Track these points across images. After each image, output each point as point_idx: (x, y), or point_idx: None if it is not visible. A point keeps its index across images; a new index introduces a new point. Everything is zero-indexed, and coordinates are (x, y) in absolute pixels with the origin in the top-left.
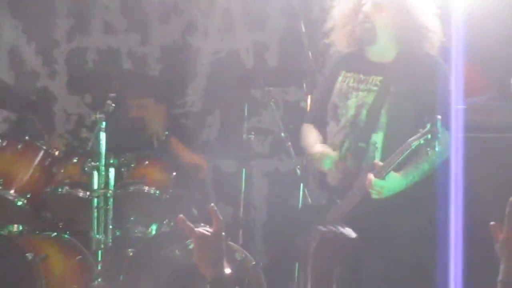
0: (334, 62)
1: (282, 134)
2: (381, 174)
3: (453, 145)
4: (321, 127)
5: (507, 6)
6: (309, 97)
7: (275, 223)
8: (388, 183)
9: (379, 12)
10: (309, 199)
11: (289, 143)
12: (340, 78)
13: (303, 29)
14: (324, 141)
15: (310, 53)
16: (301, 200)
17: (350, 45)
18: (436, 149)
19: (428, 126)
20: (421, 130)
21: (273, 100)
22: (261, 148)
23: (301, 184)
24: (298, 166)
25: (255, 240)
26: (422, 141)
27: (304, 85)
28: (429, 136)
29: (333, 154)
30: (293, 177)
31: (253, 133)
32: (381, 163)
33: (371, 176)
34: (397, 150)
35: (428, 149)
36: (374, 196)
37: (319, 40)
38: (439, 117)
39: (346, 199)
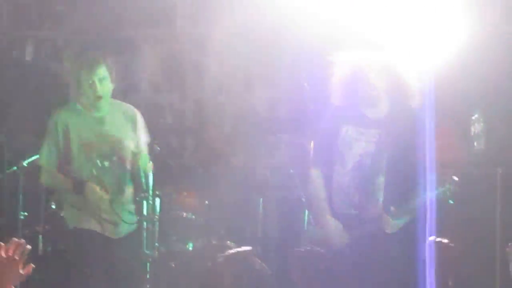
0: (333, 115)
1: (291, 171)
2: (396, 216)
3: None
4: (327, 169)
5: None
6: (311, 142)
7: (286, 242)
8: (399, 222)
9: (381, 80)
10: (312, 222)
11: (296, 178)
12: (342, 130)
13: (307, 86)
14: (330, 180)
15: (312, 106)
16: (306, 222)
17: (348, 101)
18: (450, 202)
19: (448, 185)
20: (440, 187)
21: (283, 144)
22: (274, 181)
23: (305, 210)
24: (303, 196)
25: (270, 254)
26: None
27: (307, 132)
28: (448, 193)
29: (343, 233)
30: (299, 204)
31: (267, 169)
32: (395, 208)
33: (387, 217)
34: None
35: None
36: (387, 231)
37: (320, 95)
38: (456, 178)
39: (358, 227)
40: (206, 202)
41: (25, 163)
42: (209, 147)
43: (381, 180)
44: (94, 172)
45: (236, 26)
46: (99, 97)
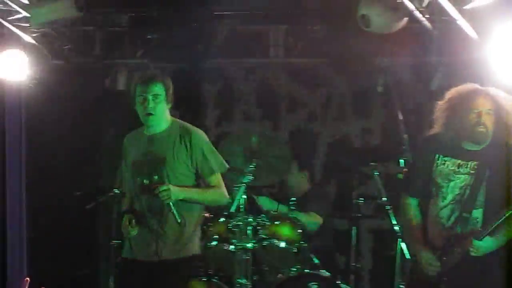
0: (429, 145)
1: (384, 199)
2: (479, 236)
3: None
4: (423, 199)
5: None
6: (403, 171)
7: (379, 270)
8: (484, 244)
9: (490, 119)
10: (406, 252)
11: (389, 206)
12: (438, 162)
13: (400, 117)
14: (426, 211)
15: (405, 136)
16: (399, 252)
17: (449, 133)
18: None
19: None
20: None
21: (376, 172)
22: (367, 210)
23: (399, 240)
24: (396, 225)
25: (363, 283)
26: None
27: (401, 161)
28: None
29: (435, 263)
30: (392, 233)
31: (361, 198)
32: (480, 229)
33: (472, 238)
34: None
35: None
36: (473, 254)
37: (413, 125)
38: None
39: (450, 256)
40: (299, 230)
41: (117, 191)
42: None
43: (479, 212)
44: (135, 190)
45: (329, 55)
46: (150, 114)
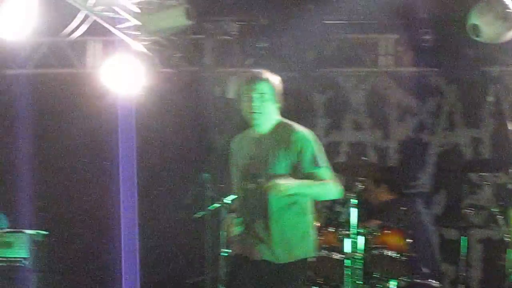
0: None
1: (494, 210)
2: None
3: None
4: None
5: None
6: None
7: (488, 280)
8: None
9: None
10: None
11: (500, 217)
12: None
13: (510, 127)
14: None
15: None
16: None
17: None
18: None
19: None
20: None
21: (486, 183)
22: (477, 220)
23: (509, 250)
24: (507, 235)
25: None
26: None
27: (510, 171)
28: None
29: None
30: (502, 243)
31: (471, 208)
32: None
33: None
34: None
35: None
36: None
37: None
38: None
39: None
40: (409, 240)
41: (227, 200)
42: (411, 184)
43: None
44: (242, 194)
45: (439, 65)
46: (255, 113)
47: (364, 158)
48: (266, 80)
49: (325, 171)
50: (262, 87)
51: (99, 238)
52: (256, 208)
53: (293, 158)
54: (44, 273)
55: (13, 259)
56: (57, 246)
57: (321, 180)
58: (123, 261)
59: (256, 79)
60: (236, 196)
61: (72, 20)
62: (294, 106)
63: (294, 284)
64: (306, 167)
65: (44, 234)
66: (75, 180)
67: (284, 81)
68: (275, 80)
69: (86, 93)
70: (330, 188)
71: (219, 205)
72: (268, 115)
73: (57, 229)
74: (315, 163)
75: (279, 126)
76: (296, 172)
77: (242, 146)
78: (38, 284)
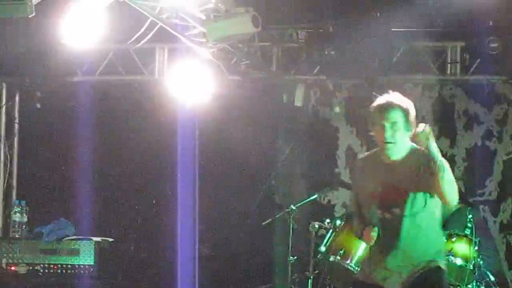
0: None
1: None
2: None
3: None
4: None
5: None
6: None
7: None
8: None
9: None
10: None
11: None
12: None
13: None
14: None
15: None
16: None
17: None
18: None
19: None
20: None
21: None
22: None
23: None
24: None
25: None
26: None
27: None
28: None
29: None
30: None
31: None
32: None
33: None
34: None
35: None
36: None
37: None
38: None
39: None
40: (475, 248)
41: (294, 207)
42: (478, 192)
43: None
44: (376, 222)
45: (506, 72)
46: (388, 143)
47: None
48: (398, 107)
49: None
50: (394, 115)
51: (160, 245)
52: (388, 238)
53: (430, 187)
54: (109, 279)
55: (80, 266)
56: (122, 253)
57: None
58: (179, 268)
59: (388, 107)
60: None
61: (139, 28)
62: (361, 114)
63: None
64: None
65: (110, 241)
66: (139, 186)
67: (350, 88)
68: (408, 106)
69: (153, 100)
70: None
71: (286, 212)
72: (401, 144)
73: (120, 236)
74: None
75: (413, 153)
76: (432, 202)
77: (370, 169)
78: None
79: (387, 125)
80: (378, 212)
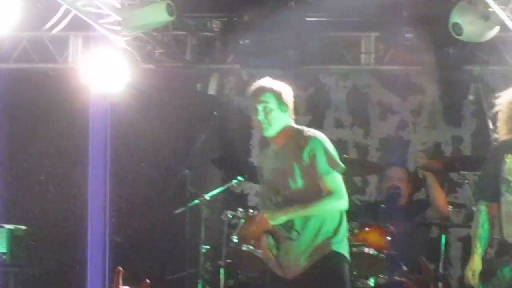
0: (500, 150)
1: (473, 208)
2: None
3: None
4: (493, 200)
5: None
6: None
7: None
8: None
9: None
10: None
11: None
12: (508, 160)
13: (491, 126)
14: (498, 209)
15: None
16: None
17: (509, 133)
18: None
19: None
20: None
21: (466, 181)
22: (457, 218)
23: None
24: None
25: None
26: None
27: None
28: None
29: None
30: None
31: (450, 206)
32: None
33: None
34: None
35: None
36: None
37: None
38: None
39: None
40: (388, 238)
41: (207, 196)
42: (392, 183)
43: None
44: (272, 208)
45: (421, 63)
46: (263, 125)
47: (345, 156)
48: (270, 90)
49: (333, 179)
50: (265, 98)
51: (72, 233)
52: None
53: (306, 165)
54: (22, 267)
55: None
56: (35, 241)
57: (323, 197)
58: (89, 256)
59: (259, 91)
60: None
61: (53, 15)
62: None
63: None
64: (319, 173)
65: (23, 229)
66: (52, 175)
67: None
68: (280, 88)
69: (67, 89)
70: (330, 206)
71: (199, 201)
72: (277, 126)
73: (33, 225)
74: (324, 169)
75: (290, 134)
76: (313, 181)
77: (265, 159)
78: (16, 278)
79: (260, 107)
80: (271, 197)
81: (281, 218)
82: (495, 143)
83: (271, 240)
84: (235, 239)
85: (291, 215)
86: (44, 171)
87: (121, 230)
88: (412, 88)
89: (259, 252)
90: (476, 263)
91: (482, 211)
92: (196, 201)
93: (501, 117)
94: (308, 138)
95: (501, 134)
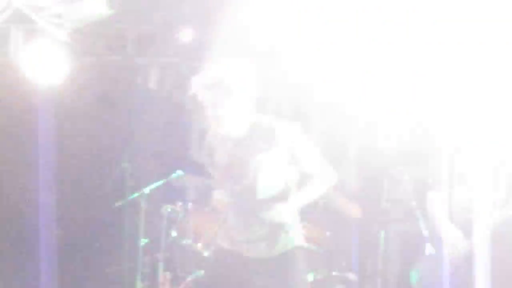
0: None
1: (413, 203)
2: None
3: None
4: (448, 191)
5: None
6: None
7: (406, 274)
8: None
9: None
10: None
11: (418, 211)
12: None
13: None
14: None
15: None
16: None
17: None
18: None
19: None
20: None
21: (405, 176)
22: (396, 214)
23: (428, 244)
24: (425, 229)
25: (390, 287)
26: None
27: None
28: None
29: (463, 242)
30: (421, 237)
31: (389, 201)
32: None
33: None
34: None
35: None
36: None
37: None
38: None
39: None
40: (327, 233)
41: (146, 190)
42: None
43: None
44: (228, 197)
45: None
46: (214, 116)
47: None
48: (221, 76)
49: (311, 162)
50: (216, 84)
51: (21, 225)
52: (243, 207)
53: (278, 156)
54: None
55: None
56: None
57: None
58: (40, 250)
59: (211, 81)
60: None
61: None
62: None
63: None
64: (302, 164)
65: None
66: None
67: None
68: (232, 77)
69: (7, 82)
70: (323, 187)
71: (138, 194)
72: (236, 116)
73: None
74: (307, 158)
75: (256, 124)
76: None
77: (217, 146)
78: None
79: (209, 96)
80: (229, 186)
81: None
82: None
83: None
84: (174, 232)
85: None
86: None
87: (62, 223)
88: None
89: (197, 246)
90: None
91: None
92: (135, 195)
93: None
94: (276, 130)
95: None
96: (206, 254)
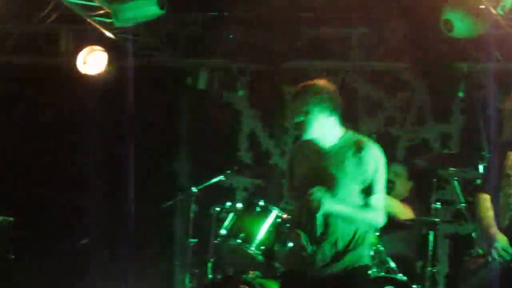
0: (505, 149)
1: (462, 205)
2: None
3: None
4: (495, 193)
5: None
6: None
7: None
8: None
9: None
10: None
11: (467, 212)
12: (510, 157)
13: (481, 124)
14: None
15: (486, 142)
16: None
17: None
18: None
19: None
20: None
21: (455, 178)
22: (444, 215)
23: (476, 246)
24: (474, 231)
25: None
26: None
27: (480, 167)
28: None
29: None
30: (469, 239)
31: (439, 203)
32: None
33: None
34: None
35: None
36: None
37: (493, 131)
38: None
39: None
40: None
41: (195, 189)
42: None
43: None
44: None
45: (410, 60)
46: (304, 130)
47: None
48: (312, 93)
49: (378, 198)
50: (309, 101)
51: (66, 226)
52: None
53: (360, 176)
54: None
55: None
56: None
57: (369, 208)
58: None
59: (299, 93)
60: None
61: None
62: (265, 98)
63: None
64: (368, 187)
65: (9, 221)
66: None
67: (254, 73)
68: (325, 90)
69: (59, 82)
70: (368, 220)
71: (186, 194)
72: (322, 130)
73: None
74: (377, 187)
75: (345, 139)
76: (359, 190)
77: (302, 156)
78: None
79: (302, 111)
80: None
81: (329, 210)
82: (503, 142)
83: (303, 240)
84: (223, 232)
85: (339, 209)
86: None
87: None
88: (401, 84)
89: (247, 246)
90: (502, 237)
91: (487, 199)
92: (184, 195)
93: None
94: (366, 148)
95: (506, 132)
96: (259, 258)
